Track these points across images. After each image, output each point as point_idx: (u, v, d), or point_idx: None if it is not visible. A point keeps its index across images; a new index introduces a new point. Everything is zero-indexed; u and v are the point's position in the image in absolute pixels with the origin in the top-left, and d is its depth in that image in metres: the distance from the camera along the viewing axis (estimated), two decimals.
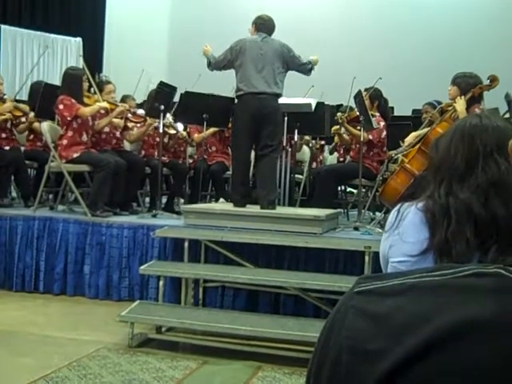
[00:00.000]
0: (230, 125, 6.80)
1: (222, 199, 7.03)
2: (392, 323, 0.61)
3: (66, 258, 5.95)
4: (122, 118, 7.05)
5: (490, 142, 1.54)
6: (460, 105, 5.25)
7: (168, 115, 7.17)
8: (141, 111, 7.20)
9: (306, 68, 6.15)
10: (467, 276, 0.62)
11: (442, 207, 1.51)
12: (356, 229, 5.94)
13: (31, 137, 7.66)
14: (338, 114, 7.16)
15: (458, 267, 0.66)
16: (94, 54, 11.81)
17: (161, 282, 5.18)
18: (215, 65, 6.13)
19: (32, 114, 7.33)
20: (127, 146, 7.49)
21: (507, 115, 6.64)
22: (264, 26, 6.09)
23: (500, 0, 10.94)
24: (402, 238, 1.67)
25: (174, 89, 6.86)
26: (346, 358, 0.63)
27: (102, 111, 6.83)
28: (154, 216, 6.37)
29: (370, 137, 6.78)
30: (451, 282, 0.62)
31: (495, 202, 1.41)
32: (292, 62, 6.06)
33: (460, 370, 0.58)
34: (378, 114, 6.99)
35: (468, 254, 1.45)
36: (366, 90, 6.80)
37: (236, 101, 6.05)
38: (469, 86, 5.33)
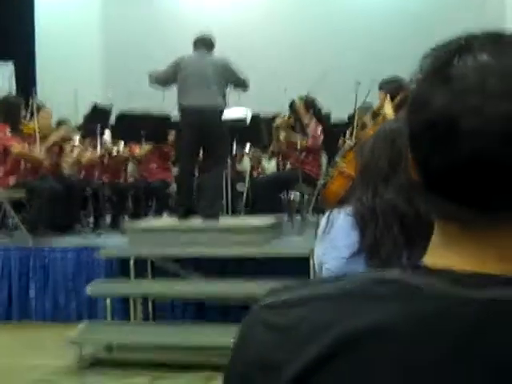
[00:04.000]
0: (169, 140, 6.82)
1: (165, 214, 7.04)
2: (296, 334, 0.61)
3: (9, 284, 5.85)
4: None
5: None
6: (388, 109, 5.40)
7: (106, 134, 7.14)
8: (76, 136, 7.15)
9: (243, 84, 6.16)
10: (369, 284, 0.62)
11: (369, 209, 1.57)
12: (299, 233, 6.04)
13: None
14: (277, 120, 7.26)
15: (361, 275, 0.68)
16: (26, 77, 11.58)
17: (108, 302, 5.15)
18: (157, 80, 6.12)
19: None
20: (66, 169, 7.42)
21: None
22: (203, 43, 6.12)
23: (425, 5, 11.25)
24: (333, 243, 1.73)
25: (107, 112, 6.84)
26: (254, 372, 0.62)
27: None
28: (98, 235, 6.33)
29: (309, 143, 6.89)
30: (353, 291, 0.62)
31: (418, 202, 1.48)
32: (230, 77, 6.08)
33: (358, 379, 0.58)
34: (313, 121, 7.12)
35: (396, 252, 1.52)
36: (300, 98, 6.93)
37: (178, 116, 6.07)
38: (395, 90, 5.47)
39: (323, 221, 1.82)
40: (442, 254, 0.63)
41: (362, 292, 0.62)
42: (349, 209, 1.68)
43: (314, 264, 4.97)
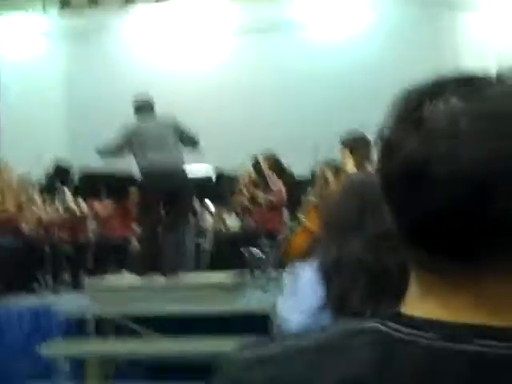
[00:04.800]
0: (130, 198, 6.76)
1: (125, 271, 6.92)
2: None
3: None
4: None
5: (376, 195, 1.61)
6: (350, 164, 5.45)
7: (66, 192, 7.07)
8: (33, 195, 7.06)
9: (194, 142, 6.17)
10: (346, 334, 0.60)
11: (334, 262, 1.55)
12: (262, 289, 5.98)
13: None
14: (240, 177, 7.29)
15: (335, 327, 0.66)
16: None
17: (65, 364, 4.98)
18: (108, 153, 6.12)
19: None
20: (25, 226, 7.28)
21: None
22: (145, 106, 6.17)
23: (376, 54, 11.47)
24: (298, 299, 1.70)
25: (68, 169, 6.80)
26: None
27: None
28: (57, 294, 6.17)
29: (272, 199, 6.92)
30: (330, 342, 0.59)
31: (385, 254, 1.45)
32: (182, 136, 6.08)
33: None
34: (276, 178, 7.17)
35: (361, 306, 1.49)
36: (264, 156, 6.99)
37: (139, 177, 6.06)
38: (356, 144, 5.54)
39: (287, 276, 1.78)
40: (421, 305, 0.60)
41: (340, 343, 0.59)
42: (313, 262, 1.65)
43: (276, 321, 4.91)
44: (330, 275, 1.55)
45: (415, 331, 0.57)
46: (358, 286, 1.49)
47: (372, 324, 0.60)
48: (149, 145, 5.87)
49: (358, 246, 1.51)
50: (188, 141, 6.12)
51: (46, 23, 12.37)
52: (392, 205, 0.61)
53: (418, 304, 0.60)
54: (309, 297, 1.63)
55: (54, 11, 11.87)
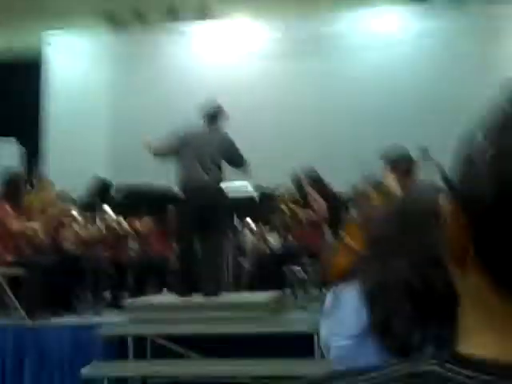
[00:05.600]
0: (169, 214, 6.74)
1: (165, 290, 6.89)
2: None
3: (3, 364, 5.64)
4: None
5: (422, 216, 1.52)
6: (391, 181, 5.34)
7: (107, 209, 7.08)
8: (74, 212, 7.09)
9: (241, 164, 6.08)
10: (404, 377, 0.55)
11: (378, 285, 1.47)
12: (303, 309, 5.87)
13: None
14: (281, 194, 7.23)
15: (394, 367, 0.60)
16: (30, 150, 11.65)
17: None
18: (158, 152, 6.08)
19: None
20: (66, 244, 7.32)
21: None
22: (207, 115, 6.11)
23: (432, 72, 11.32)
24: (340, 321, 1.62)
25: (109, 186, 6.81)
26: None
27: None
28: (97, 313, 6.16)
29: (313, 217, 6.83)
30: None
31: (432, 276, 1.38)
32: (230, 156, 5.99)
33: None
34: (317, 195, 7.08)
35: (408, 330, 1.40)
36: (304, 172, 6.92)
37: (179, 191, 6.02)
38: (398, 162, 5.44)
39: (329, 298, 1.70)
40: (481, 340, 0.53)
41: None
42: (356, 284, 1.57)
43: (319, 342, 4.81)
44: (373, 298, 1.47)
45: (476, 373, 0.51)
46: (403, 310, 1.41)
47: (432, 365, 0.54)
48: (192, 156, 5.82)
49: (403, 267, 1.43)
50: (233, 161, 6.04)
51: (91, 41, 12.57)
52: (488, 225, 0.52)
53: (478, 340, 0.53)
54: (352, 320, 1.55)
55: (99, 28, 12.04)
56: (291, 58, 11.83)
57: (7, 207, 6.29)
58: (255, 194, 6.80)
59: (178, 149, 5.95)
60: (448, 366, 0.53)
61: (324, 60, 11.71)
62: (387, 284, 1.44)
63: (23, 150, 11.22)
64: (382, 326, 1.43)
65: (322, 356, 2.38)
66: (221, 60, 12.19)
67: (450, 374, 0.52)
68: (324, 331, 1.70)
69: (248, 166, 6.08)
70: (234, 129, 6.35)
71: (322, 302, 5.87)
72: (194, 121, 6.18)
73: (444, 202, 1.58)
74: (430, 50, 11.36)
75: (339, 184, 9.01)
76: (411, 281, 1.40)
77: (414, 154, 5.63)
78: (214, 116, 6.10)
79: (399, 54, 11.58)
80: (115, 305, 6.95)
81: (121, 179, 7.85)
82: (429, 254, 1.44)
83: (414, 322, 1.39)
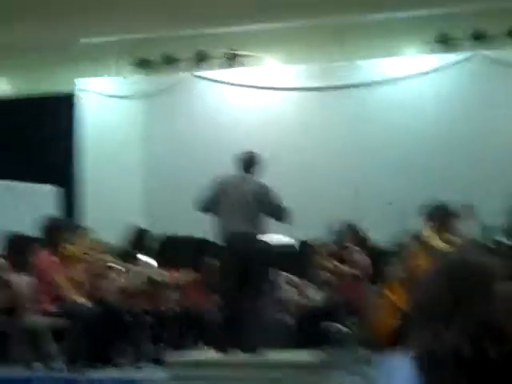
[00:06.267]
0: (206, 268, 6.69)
1: (205, 346, 6.80)
2: None
3: None
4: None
5: (475, 281, 1.45)
6: (432, 236, 5.26)
7: (147, 259, 7.07)
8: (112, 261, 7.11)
9: (279, 213, 5.97)
10: None
11: (429, 354, 1.40)
12: (349, 371, 5.72)
13: None
14: (321, 248, 7.15)
15: None
16: (67, 199, 11.70)
17: None
18: (202, 207, 6.07)
19: None
20: (108, 295, 7.29)
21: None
22: (242, 163, 6.10)
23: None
24: None
25: (148, 236, 6.82)
26: None
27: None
28: (138, 368, 6.10)
29: (356, 272, 6.75)
30: None
31: (487, 345, 1.29)
32: (268, 206, 5.92)
33: None
34: (359, 249, 7.00)
35: None
36: (347, 226, 6.85)
37: (218, 241, 5.99)
38: (441, 217, 5.36)
39: (379, 370, 1.63)
40: None
41: None
42: (407, 354, 1.50)
43: None
44: (425, 369, 1.40)
45: None
46: (455, 380, 1.34)
47: None
48: (231, 206, 5.79)
49: (455, 335, 1.36)
50: (275, 213, 5.98)
51: (121, 85, 12.70)
52: None
53: None
54: None
55: (128, 72, 12.21)
56: (323, 103, 11.80)
57: (51, 257, 6.31)
58: (296, 246, 6.74)
59: (217, 200, 5.94)
60: None
61: (358, 105, 11.65)
62: (438, 354, 1.37)
63: (61, 197, 11.28)
64: None
65: None
66: (252, 103, 12.19)
67: None
68: None
69: (290, 216, 6.00)
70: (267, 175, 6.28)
71: (368, 362, 5.73)
72: (229, 167, 6.17)
73: (494, 264, 1.50)
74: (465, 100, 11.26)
75: (379, 236, 8.87)
76: (464, 350, 1.33)
77: (455, 207, 5.54)
78: (249, 163, 6.09)
79: (438, 102, 11.48)
80: (155, 359, 6.87)
81: (155, 226, 7.82)
82: (483, 321, 1.36)
83: None
